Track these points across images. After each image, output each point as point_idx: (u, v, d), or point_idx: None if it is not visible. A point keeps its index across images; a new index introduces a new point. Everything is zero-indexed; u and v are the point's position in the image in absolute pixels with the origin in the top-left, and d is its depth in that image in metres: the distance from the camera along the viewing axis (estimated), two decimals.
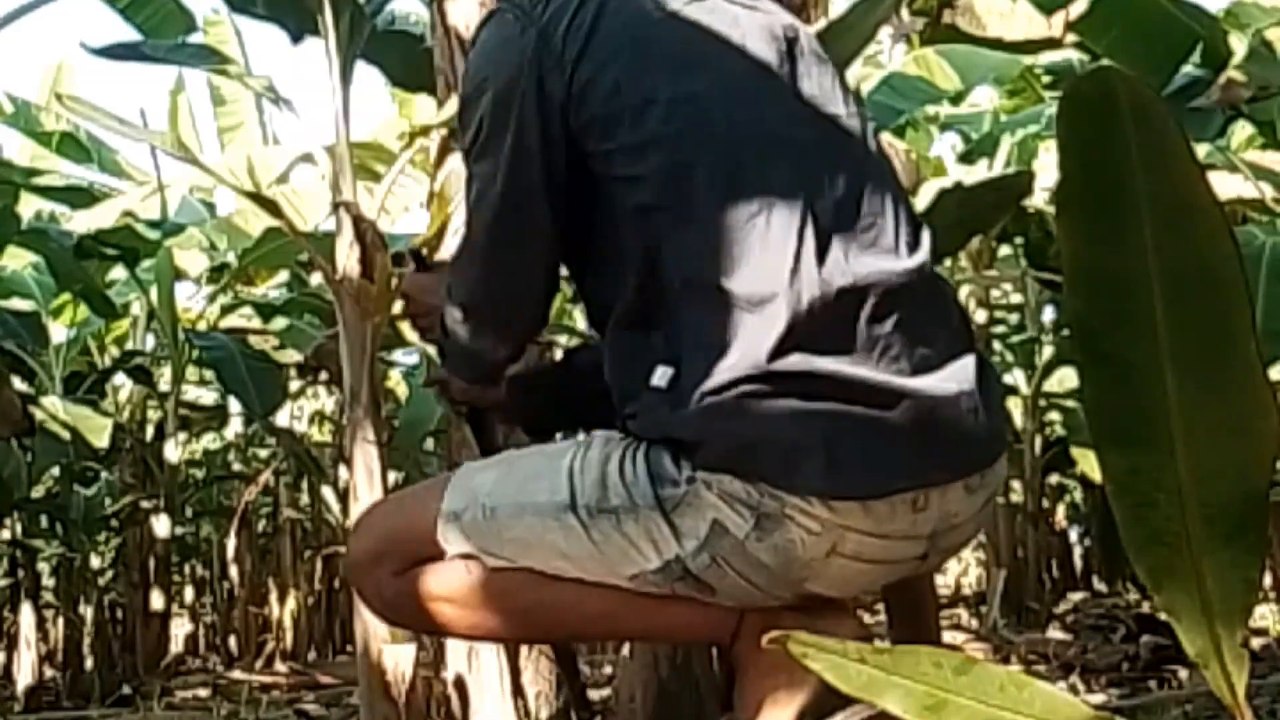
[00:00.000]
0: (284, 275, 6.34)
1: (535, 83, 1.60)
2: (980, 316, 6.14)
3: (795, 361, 1.47)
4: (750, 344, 1.48)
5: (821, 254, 1.51)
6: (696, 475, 1.49)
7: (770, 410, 1.47)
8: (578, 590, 1.58)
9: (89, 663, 5.89)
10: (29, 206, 5.95)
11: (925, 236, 1.61)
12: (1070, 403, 6.07)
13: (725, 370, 1.48)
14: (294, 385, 6.28)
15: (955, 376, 1.53)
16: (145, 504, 5.63)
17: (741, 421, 1.47)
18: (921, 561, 1.57)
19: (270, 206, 3.14)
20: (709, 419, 1.48)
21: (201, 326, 5.98)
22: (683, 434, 1.50)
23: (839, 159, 1.60)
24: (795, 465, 1.46)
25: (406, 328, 3.44)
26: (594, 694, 3.78)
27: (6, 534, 5.91)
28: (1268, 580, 5.08)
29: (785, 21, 1.70)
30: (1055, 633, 5.06)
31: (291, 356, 5.47)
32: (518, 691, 2.74)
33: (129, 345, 6.30)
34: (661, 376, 1.53)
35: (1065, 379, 5.98)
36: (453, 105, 2.88)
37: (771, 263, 1.50)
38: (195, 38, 4.58)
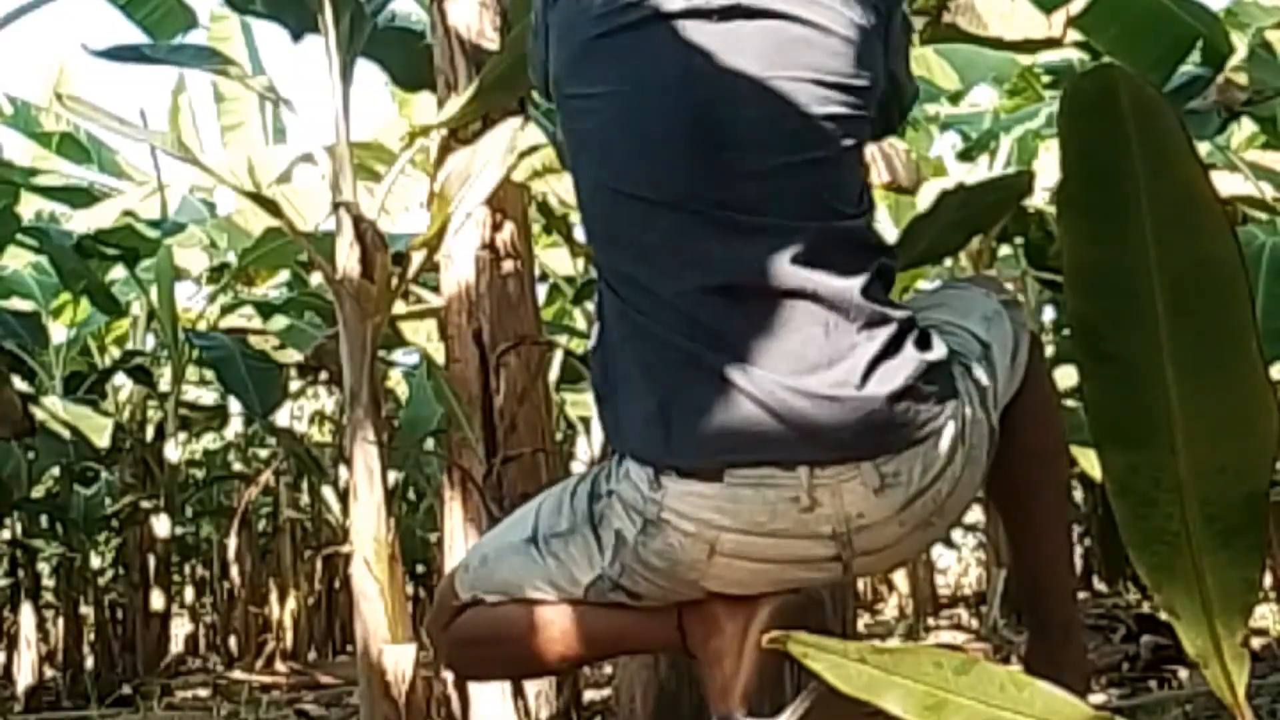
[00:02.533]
0: (284, 275, 6.34)
1: None
2: None
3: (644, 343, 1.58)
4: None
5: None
6: (614, 487, 1.62)
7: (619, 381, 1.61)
8: (554, 610, 1.71)
9: (89, 663, 5.90)
10: (29, 206, 5.95)
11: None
12: (1071, 402, 6.06)
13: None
14: (294, 385, 6.28)
15: (812, 389, 1.51)
16: (145, 504, 5.63)
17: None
18: (838, 563, 1.56)
19: (270, 206, 3.14)
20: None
21: (201, 326, 5.98)
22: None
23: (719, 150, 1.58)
24: (639, 435, 1.58)
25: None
26: (594, 694, 3.78)
27: (6, 534, 5.91)
28: (1268, 580, 5.08)
29: None
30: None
31: (292, 356, 5.47)
32: (518, 691, 2.74)
33: (129, 345, 6.30)
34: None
35: (1066, 378, 5.98)
36: (453, 105, 2.89)
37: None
38: (197, 34, 4.57)
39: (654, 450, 1.56)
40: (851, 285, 1.54)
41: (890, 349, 1.54)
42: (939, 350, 1.59)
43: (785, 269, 1.53)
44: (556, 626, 1.71)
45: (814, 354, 1.52)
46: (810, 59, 1.58)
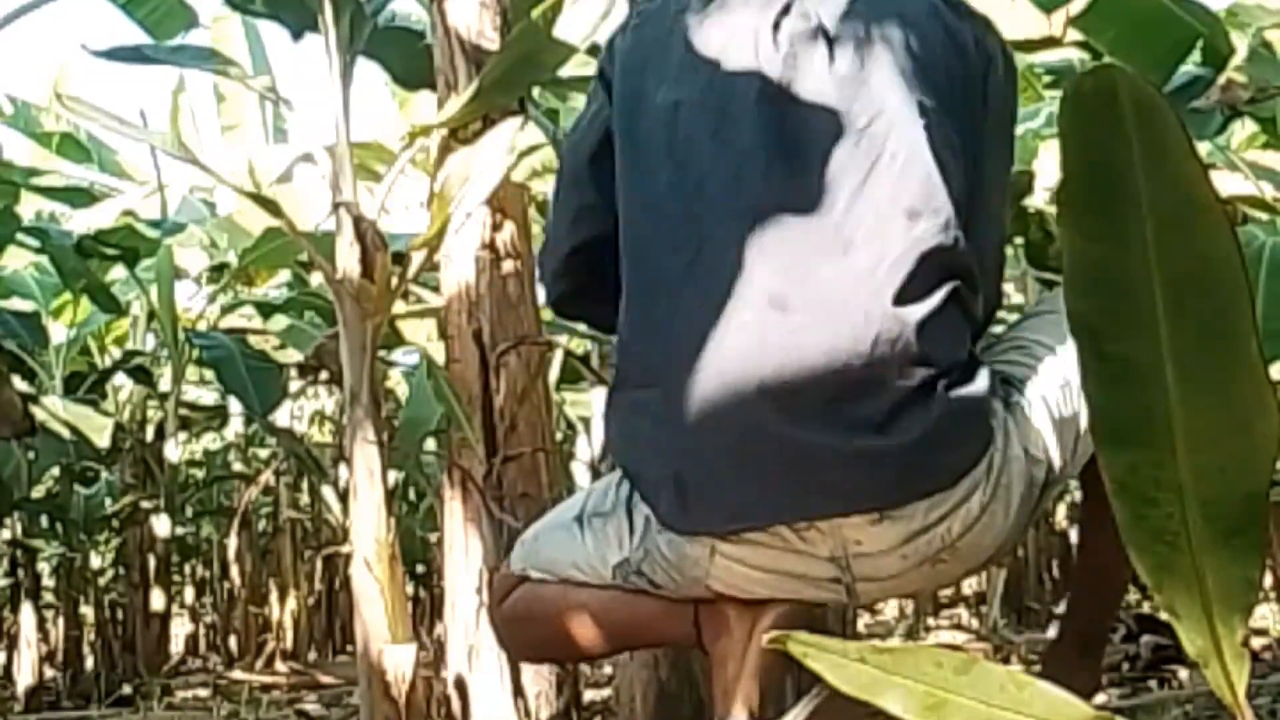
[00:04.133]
0: (284, 275, 6.34)
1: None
2: None
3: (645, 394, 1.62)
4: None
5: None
6: None
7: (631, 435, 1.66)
8: (585, 594, 1.74)
9: (89, 663, 5.90)
10: (29, 206, 5.95)
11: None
12: None
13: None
14: (294, 385, 6.28)
15: (829, 421, 1.50)
16: (145, 504, 5.63)
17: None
18: (838, 585, 1.57)
19: (270, 206, 3.14)
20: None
21: (201, 326, 5.98)
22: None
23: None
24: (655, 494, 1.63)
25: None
26: (594, 694, 3.78)
27: (6, 534, 5.91)
28: (1268, 580, 5.08)
29: None
30: (1055, 633, 5.05)
31: (292, 356, 5.47)
32: (518, 691, 2.74)
33: (129, 345, 6.29)
34: None
35: None
36: (453, 105, 2.89)
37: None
38: (198, 33, 4.57)
39: (668, 514, 1.62)
40: (910, 313, 1.50)
41: (924, 390, 1.49)
42: (978, 385, 1.53)
43: (849, 287, 1.51)
44: (585, 610, 1.74)
45: (844, 384, 1.49)
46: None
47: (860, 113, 1.56)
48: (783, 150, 1.56)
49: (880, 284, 1.50)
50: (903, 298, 1.50)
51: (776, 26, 1.62)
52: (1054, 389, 1.60)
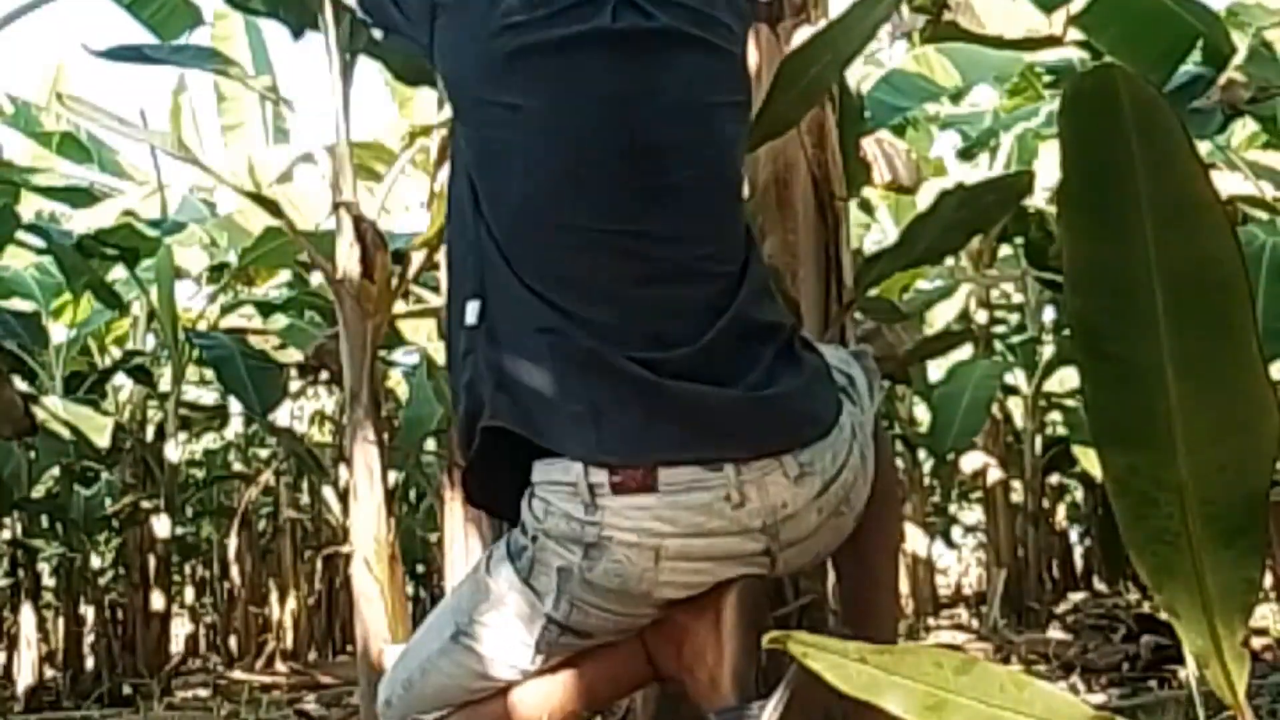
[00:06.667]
0: (285, 275, 6.34)
1: None
2: (981, 316, 6.15)
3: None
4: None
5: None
6: (539, 529, 1.62)
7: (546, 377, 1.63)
8: (516, 694, 1.71)
9: (89, 663, 5.90)
10: (29, 206, 5.95)
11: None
12: (1071, 402, 6.07)
13: None
14: (294, 385, 6.28)
15: (725, 368, 1.63)
16: (145, 504, 5.63)
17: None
18: (767, 557, 1.63)
19: (270, 206, 3.14)
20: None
21: (201, 326, 5.98)
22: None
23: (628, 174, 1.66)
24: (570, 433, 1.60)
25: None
26: None
27: (6, 534, 5.91)
28: (1268, 580, 5.08)
29: None
30: (1055, 633, 5.06)
31: (292, 356, 5.47)
32: None
33: (129, 345, 6.30)
34: None
35: (1066, 379, 5.98)
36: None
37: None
38: (202, 32, 4.57)
39: (583, 447, 1.59)
40: (751, 295, 1.68)
41: (786, 353, 1.68)
42: (822, 355, 1.75)
43: (703, 286, 1.66)
44: (524, 709, 1.70)
45: (728, 362, 1.63)
46: (727, 84, 1.74)
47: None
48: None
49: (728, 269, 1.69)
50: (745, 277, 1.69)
51: None
52: (849, 381, 1.81)
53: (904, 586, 7.11)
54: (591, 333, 1.60)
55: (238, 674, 5.50)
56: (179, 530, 6.43)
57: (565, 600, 1.62)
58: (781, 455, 1.61)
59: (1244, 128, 4.97)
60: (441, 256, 2.97)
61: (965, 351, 5.89)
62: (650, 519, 1.58)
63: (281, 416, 6.40)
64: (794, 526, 1.63)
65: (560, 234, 1.64)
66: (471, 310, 1.66)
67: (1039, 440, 6.19)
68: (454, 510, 2.90)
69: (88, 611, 6.18)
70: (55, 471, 5.89)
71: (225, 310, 6.22)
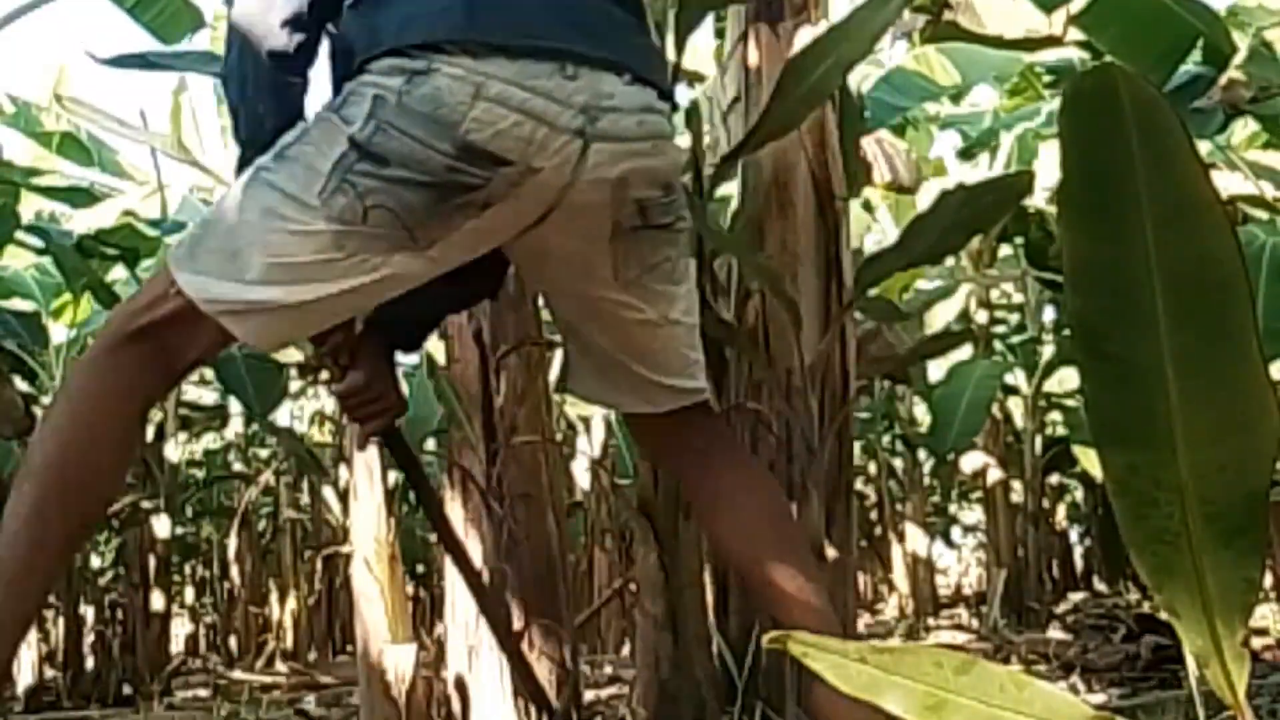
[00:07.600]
0: None
1: None
2: (981, 316, 6.15)
3: None
4: None
5: None
6: (357, 86, 1.67)
7: None
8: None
9: (90, 663, 5.89)
10: (29, 206, 5.95)
11: None
12: (1071, 402, 6.07)
13: None
14: (294, 385, 6.28)
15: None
16: (145, 504, 5.63)
17: None
18: (580, 139, 1.68)
19: None
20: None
21: None
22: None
23: None
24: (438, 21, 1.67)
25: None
26: (594, 694, 3.78)
27: None
28: (1268, 580, 5.08)
29: None
30: (1056, 633, 5.07)
31: (292, 356, 5.47)
32: (518, 691, 2.74)
33: None
34: None
35: (1066, 379, 5.99)
36: None
37: None
38: (204, 34, 4.56)
39: (454, 29, 1.65)
40: None
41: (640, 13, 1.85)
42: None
43: None
44: None
45: None
46: None
47: None
48: None
49: None
50: None
51: None
52: None
53: (904, 586, 7.12)
54: None
55: (238, 674, 5.51)
56: (179, 530, 6.43)
57: (373, 123, 1.64)
58: (624, 70, 1.73)
59: (1244, 128, 4.97)
60: None
61: (965, 351, 5.89)
62: (481, 63, 1.65)
63: (281, 416, 6.40)
64: (612, 121, 1.70)
65: None
66: None
67: (1039, 440, 6.19)
68: (454, 510, 2.90)
69: (88, 611, 6.18)
70: None
71: None
